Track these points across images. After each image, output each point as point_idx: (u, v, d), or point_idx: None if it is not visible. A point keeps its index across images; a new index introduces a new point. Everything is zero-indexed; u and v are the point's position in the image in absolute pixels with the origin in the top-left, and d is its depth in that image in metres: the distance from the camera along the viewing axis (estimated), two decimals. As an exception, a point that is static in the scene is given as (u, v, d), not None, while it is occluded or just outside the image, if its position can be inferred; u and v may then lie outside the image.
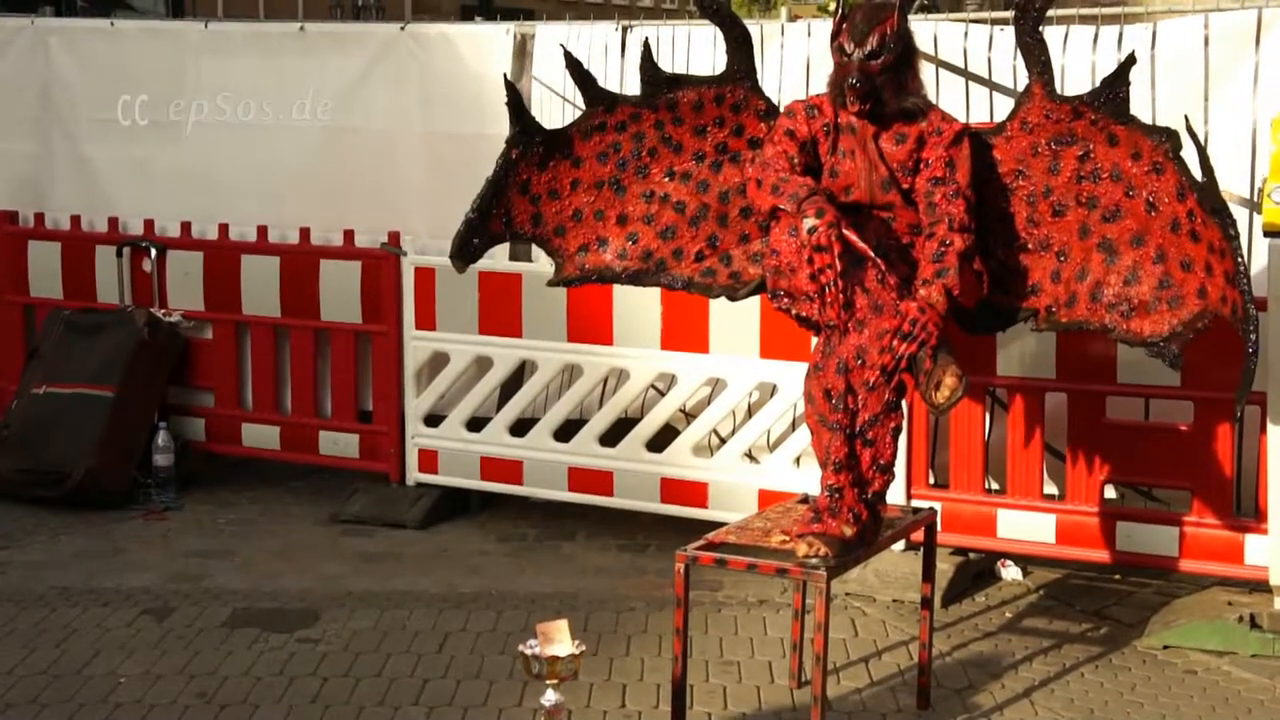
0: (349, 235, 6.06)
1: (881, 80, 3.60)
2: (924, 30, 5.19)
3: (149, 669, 4.16)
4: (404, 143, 6.27)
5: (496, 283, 5.57)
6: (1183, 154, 3.60)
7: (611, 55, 5.81)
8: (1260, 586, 4.51)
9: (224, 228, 6.27)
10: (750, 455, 5.32)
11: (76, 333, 6.17)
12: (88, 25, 6.70)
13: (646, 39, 4.14)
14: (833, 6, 3.97)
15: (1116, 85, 3.67)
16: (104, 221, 6.49)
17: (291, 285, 6.06)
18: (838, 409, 3.55)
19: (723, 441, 5.41)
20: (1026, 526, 4.78)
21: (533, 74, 6.01)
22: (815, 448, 3.68)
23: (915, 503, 4.68)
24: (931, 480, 5.00)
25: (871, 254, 3.49)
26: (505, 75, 4.20)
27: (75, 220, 6.54)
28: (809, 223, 3.47)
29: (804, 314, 3.64)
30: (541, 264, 5.36)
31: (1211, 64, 4.92)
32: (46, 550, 5.34)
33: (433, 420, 5.81)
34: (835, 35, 3.64)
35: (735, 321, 5.10)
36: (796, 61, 5.54)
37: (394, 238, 5.84)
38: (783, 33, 5.60)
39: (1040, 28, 3.76)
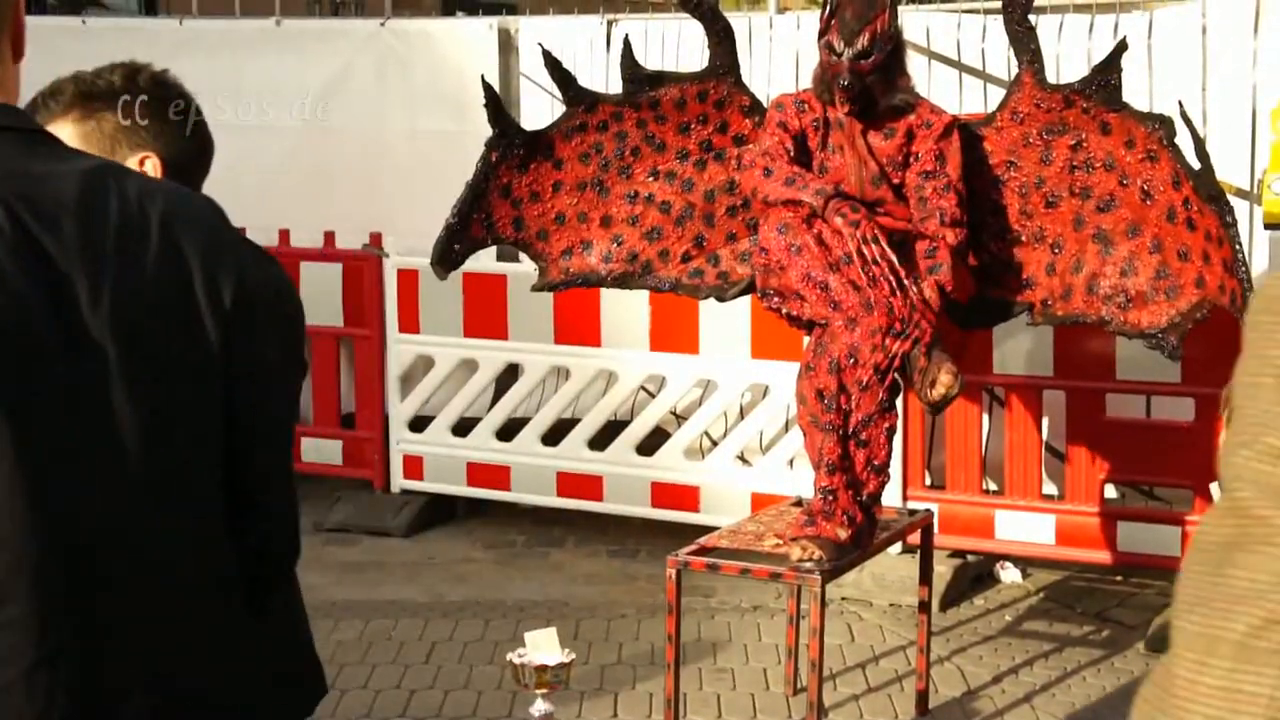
0: (329, 237, 5.97)
1: (872, 80, 3.53)
2: (916, 22, 5.12)
3: (126, 685, 4.08)
4: (386, 141, 6.21)
5: (481, 284, 5.49)
6: (1177, 141, 3.52)
7: (597, 50, 5.73)
8: (1264, 586, 4.43)
9: (202, 230, 6.17)
10: (742, 458, 5.25)
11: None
12: (58, 24, 6.60)
13: (627, 36, 4.06)
14: (821, -1, 3.89)
15: (1108, 72, 3.59)
16: (80, 226, 6.40)
17: (272, 289, 5.95)
18: (830, 409, 3.48)
19: (714, 444, 5.34)
20: (1025, 527, 4.72)
21: (521, 70, 5.92)
22: (808, 449, 3.62)
23: (911, 504, 4.61)
24: (928, 481, 4.94)
25: (893, 257, 3.46)
26: (483, 76, 4.15)
27: (50, 225, 6.45)
28: (852, 218, 3.43)
29: (794, 313, 3.58)
30: (527, 264, 5.26)
31: (1209, 53, 4.85)
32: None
33: (418, 425, 5.72)
34: (823, 32, 3.56)
35: (725, 322, 5.03)
36: (785, 54, 5.48)
37: (376, 239, 5.77)
38: (771, 25, 5.55)
39: (1029, 15, 3.69)
